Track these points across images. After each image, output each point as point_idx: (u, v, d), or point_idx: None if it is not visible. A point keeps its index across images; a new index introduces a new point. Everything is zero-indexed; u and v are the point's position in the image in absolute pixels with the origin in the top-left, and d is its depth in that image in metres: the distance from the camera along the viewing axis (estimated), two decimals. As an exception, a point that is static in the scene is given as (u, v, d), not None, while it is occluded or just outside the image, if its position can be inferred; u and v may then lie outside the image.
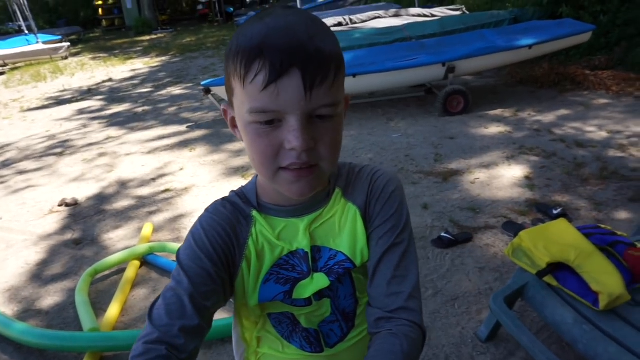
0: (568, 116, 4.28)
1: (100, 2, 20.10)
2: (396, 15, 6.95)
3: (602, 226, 1.91)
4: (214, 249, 0.64)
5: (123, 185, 3.85)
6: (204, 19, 19.58)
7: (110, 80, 9.00)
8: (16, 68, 11.89)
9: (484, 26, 5.45)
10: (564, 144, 3.66)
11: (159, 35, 16.74)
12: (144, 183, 3.84)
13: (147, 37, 16.29)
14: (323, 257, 0.69)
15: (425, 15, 6.66)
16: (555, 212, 2.64)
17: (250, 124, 0.57)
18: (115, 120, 5.97)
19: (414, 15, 6.79)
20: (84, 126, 5.87)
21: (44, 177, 4.22)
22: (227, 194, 0.72)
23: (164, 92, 7.41)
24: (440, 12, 6.73)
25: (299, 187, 0.59)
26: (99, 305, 2.35)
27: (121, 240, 2.96)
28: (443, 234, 2.54)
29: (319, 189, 0.65)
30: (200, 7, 20.29)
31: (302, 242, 0.68)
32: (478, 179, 3.24)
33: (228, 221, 0.67)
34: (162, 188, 3.69)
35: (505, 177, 3.22)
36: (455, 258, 2.41)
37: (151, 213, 3.29)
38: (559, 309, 1.60)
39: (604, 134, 3.78)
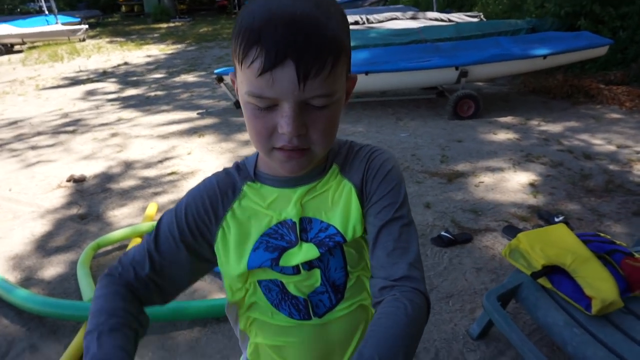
0: (578, 128, 4.27)
1: (120, -12, 20.29)
2: (413, 18, 6.95)
3: (602, 235, 1.92)
4: (186, 220, 0.71)
5: (130, 165, 3.90)
6: (222, 10, 19.67)
7: (125, 64, 9.08)
8: (34, 47, 12.05)
9: (501, 34, 5.44)
10: (571, 155, 3.65)
11: (177, 23, 16.86)
12: (151, 165, 3.89)
13: (165, 25, 16.41)
14: (314, 228, 0.70)
15: (442, 20, 6.65)
16: (557, 219, 2.64)
17: (248, 104, 0.60)
18: (128, 103, 6.04)
19: (431, 19, 6.78)
20: (97, 107, 5.94)
21: (55, 153, 4.28)
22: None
23: (177, 78, 7.47)
24: (458, 17, 6.71)
25: (290, 166, 0.64)
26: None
27: (125, 218, 3.01)
28: (443, 233, 2.55)
29: (311, 167, 0.67)
30: (219, -2, 20.41)
31: (290, 212, 0.70)
32: (482, 182, 3.25)
33: (213, 194, 0.72)
34: (169, 170, 3.73)
35: (509, 183, 3.22)
36: (453, 257, 2.42)
37: (156, 194, 3.34)
38: (551, 311, 1.61)
39: (612, 148, 3.76)
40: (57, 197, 3.37)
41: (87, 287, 2.19)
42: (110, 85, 7.21)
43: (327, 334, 0.76)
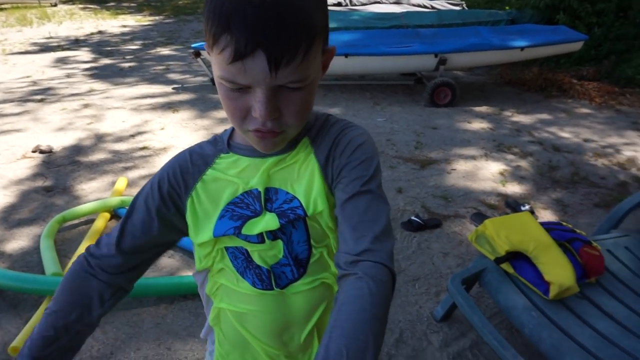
0: (549, 120, 4.37)
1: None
2: (396, 3, 6.90)
3: (564, 224, 1.99)
4: (160, 191, 0.73)
5: (101, 138, 3.79)
6: (202, -17, 19.08)
7: (99, 32, 8.75)
8: (1, 9, 11.44)
9: (481, 23, 5.47)
10: (541, 146, 3.75)
11: (155, -6, 16.27)
12: (122, 138, 3.79)
13: (142, -5, 15.82)
14: (279, 199, 0.70)
15: (425, 6, 6.64)
16: (523, 208, 2.72)
17: (221, 84, 0.60)
18: (100, 74, 5.83)
19: (414, 5, 6.75)
20: (68, 76, 5.71)
21: (21, 122, 4.11)
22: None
23: (153, 51, 7.25)
24: (441, 5, 6.71)
25: (264, 145, 0.65)
26: (64, 252, 2.33)
27: (93, 192, 2.93)
28: (413, 218, 2.59)
29: (285, 143, 0.68)
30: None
31: (256, 182, 0.70)
32: (455, 169, 3.30)
33: (185, 165, 0.74)
34: (141, 145, 3.65)
35: (481, 171, 3.29)
36: (422, 242, 2.47)
37: (127, 169, 3.26)
38: (511, 295, 1.67)
39: (580, 141, 3.88)
40: (22, 167, 3.26)
41: (50, 261, 2.14)
42: (82, 54, 6.94)
43: (287, 307, 0.77)
